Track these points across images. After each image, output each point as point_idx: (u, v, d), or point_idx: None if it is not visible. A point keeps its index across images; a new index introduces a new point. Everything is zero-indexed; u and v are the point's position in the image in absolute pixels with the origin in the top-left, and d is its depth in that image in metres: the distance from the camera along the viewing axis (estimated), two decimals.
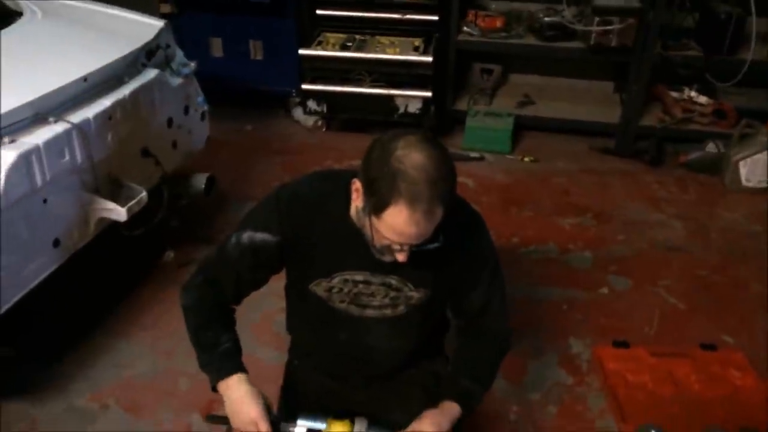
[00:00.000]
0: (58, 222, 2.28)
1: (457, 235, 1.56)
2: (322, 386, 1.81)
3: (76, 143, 2.19)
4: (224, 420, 1.56)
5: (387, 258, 1.48)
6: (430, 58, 3.71)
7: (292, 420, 1.59)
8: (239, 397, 1.53)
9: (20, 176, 2.02)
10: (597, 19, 3.74)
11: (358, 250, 1.53)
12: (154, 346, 2.64)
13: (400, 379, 1.79)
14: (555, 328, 2.77)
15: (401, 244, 1.40)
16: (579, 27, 3.87)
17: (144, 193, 2.49)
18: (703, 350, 2.57)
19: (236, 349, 1.63)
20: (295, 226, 1.57)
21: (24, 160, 2.02)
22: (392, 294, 1.61)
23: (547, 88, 4.45)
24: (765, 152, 3.65)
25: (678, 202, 3.63)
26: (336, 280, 1.60)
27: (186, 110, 2.95)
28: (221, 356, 1.59)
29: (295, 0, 4.08)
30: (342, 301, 1.63)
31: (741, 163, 3.69)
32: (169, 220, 2.92)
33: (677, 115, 4.02)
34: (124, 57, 2.51)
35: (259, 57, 4.30)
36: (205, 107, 3.03)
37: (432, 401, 1.62)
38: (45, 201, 2.20)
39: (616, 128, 4.06)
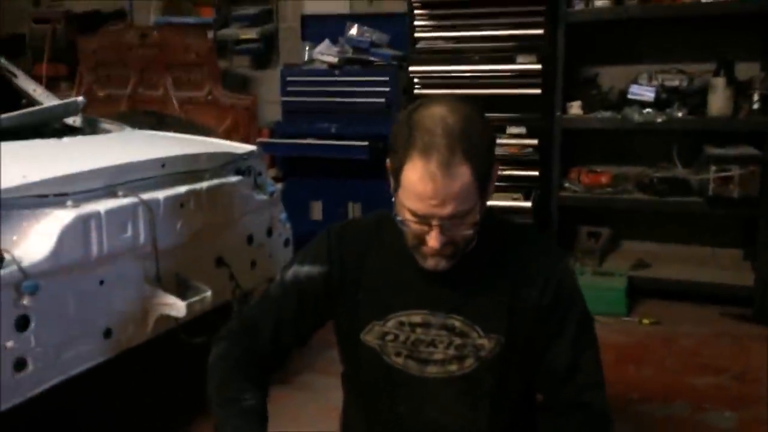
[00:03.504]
0: (112, 309, 2.10)
1: (527, 255, 1.29)
2: None
3: (140, 220, 2.07)
4: None
5: (429, 262, 1.24)
6: (529, 204, 3.50)
7: None
8: None
9: (75, 239, 1.89)
10: (713, 167, 3.46)
11: (415, 285, 1.30)
12: None
13: None
14: None
15: (426, 218, 1.15)
16: (694, 177, 3.59)
17: (209, 293, 2.30)
18: None
19: (261, 411, 1.29)
20: (345, 255, 1.36)
21: (81, 224, 1.90)
22: (457, 342, 1.30)
23: (663, 255, 4.04)
24: None
25: None
26: (391, 323, 1.32)
27: (269, 232, 2.84)
28: (240, 415, 1.25)
29: None
30: (398, 354, 1.32)
31: None
32: None
33: None
34: (208, 155, 2.47)
35: None
36: (289, 228, 2.91)
37: None
38: (102, 283, 2.05)
39: (751, 292, 3.55)
